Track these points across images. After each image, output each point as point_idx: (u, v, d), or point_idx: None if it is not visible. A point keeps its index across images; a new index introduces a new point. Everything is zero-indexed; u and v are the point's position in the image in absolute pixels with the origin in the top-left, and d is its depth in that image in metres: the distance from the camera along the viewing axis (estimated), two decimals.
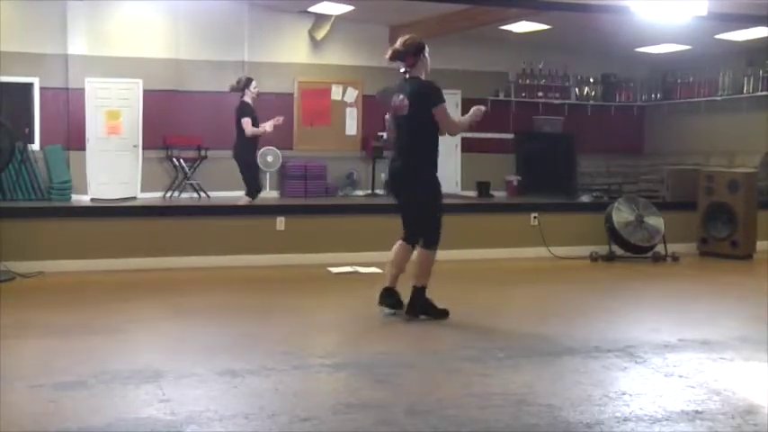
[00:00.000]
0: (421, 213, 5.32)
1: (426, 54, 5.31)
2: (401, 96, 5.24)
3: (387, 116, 5.49)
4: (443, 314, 5.30)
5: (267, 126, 8.96)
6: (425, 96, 5.20)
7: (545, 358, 4.37)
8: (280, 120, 9.14)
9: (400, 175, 5.34)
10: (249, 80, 8.96)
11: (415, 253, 5.35)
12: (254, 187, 8.99)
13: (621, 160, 15.20)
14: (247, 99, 8.81)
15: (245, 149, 8.92)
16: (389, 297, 5.34)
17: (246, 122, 8.70)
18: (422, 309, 5.28)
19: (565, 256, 8.27)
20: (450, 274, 7.24)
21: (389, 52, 5.30)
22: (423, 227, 5.30)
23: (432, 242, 5.27)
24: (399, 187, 5.39)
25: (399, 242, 5.38)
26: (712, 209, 8.62)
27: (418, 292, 5.27)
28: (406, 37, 5.34)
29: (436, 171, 5.33)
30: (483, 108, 5.43)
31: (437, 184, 5.31)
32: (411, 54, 5.26)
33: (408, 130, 5.27)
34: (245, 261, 7.49)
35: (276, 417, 3.31)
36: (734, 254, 8.41)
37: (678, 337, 4.83)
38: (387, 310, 5.33)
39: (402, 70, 5.32)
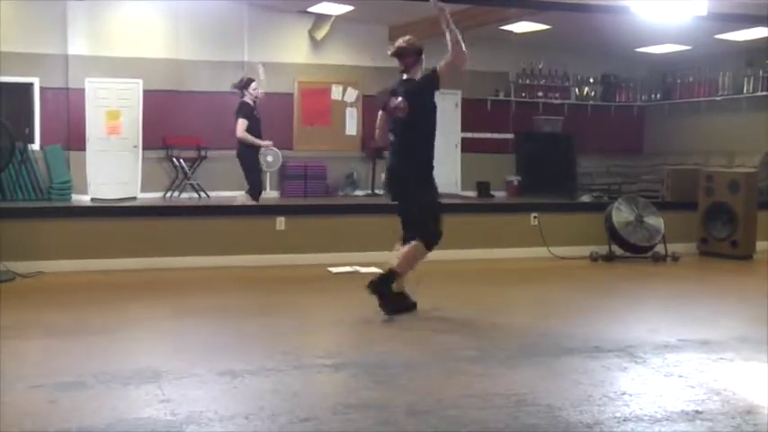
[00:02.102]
0: (421, 214, 5.31)
1: (423, 57, 5.37)
2: (399, 98, 5.25)
3: (379, 115, 5.52)
4: (407, 307, 5.31)
5: (262, 143, 8.89)
6: (422, 90, 5.26)
7: (545, 358, 4.37)
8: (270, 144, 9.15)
9: (399, 176, 5.36)
10: (249, 81, 8.77)
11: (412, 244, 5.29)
12: (255, 189, 8.90)
13: (621, 160, 15.21)
14: (247, 100, 8.71)
15: (244, 150, 8.80)
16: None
17: (240, 124, 8.54)
18: (385, 291, 5.22)
19: (565, 256, 8.27)
20: (450, 274, 7.25)
21: (393, 48, 5.33)
22: (422, 227, 5.29)
23: (431, 242, 5.26)
24: (398, 188, 5.41)
25: (399, 246, 5.39)
26: (712, 209, 8.62)
27: (391, 275, 5.22)
28: (408, 37, 5.37)
29: (433, 171, 5.37)
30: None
31: (435, 185, 5.37)
32: (413, 54, 5.32)
33: (407, 132, 5.29)
34: (245, 261, 7.49)
35: (276, 417, 3.31)
36: (734, 254, 8.41)
37: (678, 337, 4.83)
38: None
39: (401, 70, 5.35)
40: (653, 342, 4.70)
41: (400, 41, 5.34)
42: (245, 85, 8.73)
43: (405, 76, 5.35)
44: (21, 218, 7.33)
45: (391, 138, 5.43)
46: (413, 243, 5.26)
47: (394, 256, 5.37)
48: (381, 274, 5.27)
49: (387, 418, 3.32)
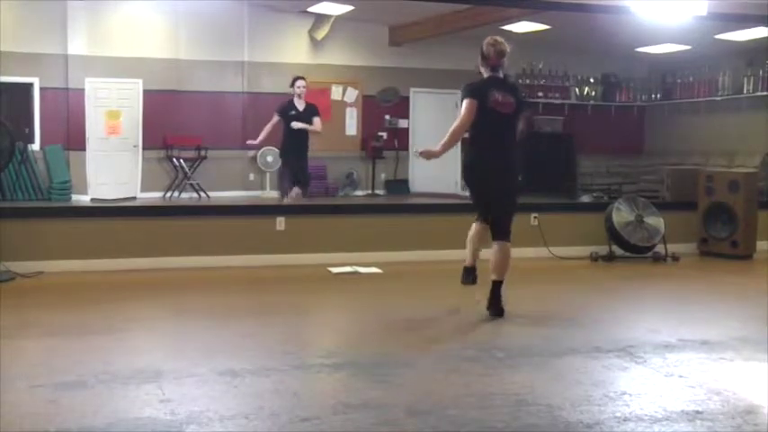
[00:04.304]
0: (514, 209, 5.64)
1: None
2: (506, 94, 5.44)
3: (467, 103, 5.38)
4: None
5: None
6: (522, 99, 5.61)
7: (545, 358, 4.37)
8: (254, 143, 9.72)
9: (507, 168, 5.58)
10: (293, 80, 9.36)
11: (498, 247, 5.52)
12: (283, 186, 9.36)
13: (621, 160, 15.19)
14: (294, 99, 9.24)
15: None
16: (471, 275, 5.64)
17: (273, 120, 9.23)
18: (501, 300, 5.45)
19: (565, 256, 8.26)
20: (450, 273, 7.24)
21: (508, 51, 5.47)
22: (509, 224, 5.56)
23: (510, 234, 5.52)
24: (504, 179, 5.58)
25: (478, 222, 5.59)
26: (712, 209, 8.62)
27: (500, 286, 5.45)
28: (498, 37, 5.54)
29: None
30: None
31: None
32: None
33: (510, 128, 5.54)
34: (245, 261, 7.49)
35: (276, 417, 3.31)
36: (734, 254, 8.41)
37: (678, 337, 4.83)
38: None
39: (493, 68, 5.52)
40: (653, 342, 4.70)
41: (504, 41, 5.50)
42: (291, 85, 9.33)
43: (496, 75, 5.49)
44: (21, 218, 7.33)
45: (480, 133, 5.47)
46: (504, 245, 5.49)
47: (473, 232, 5.62)
48: (497, 295, 5.43)
49: (387, 418, 3.33)
